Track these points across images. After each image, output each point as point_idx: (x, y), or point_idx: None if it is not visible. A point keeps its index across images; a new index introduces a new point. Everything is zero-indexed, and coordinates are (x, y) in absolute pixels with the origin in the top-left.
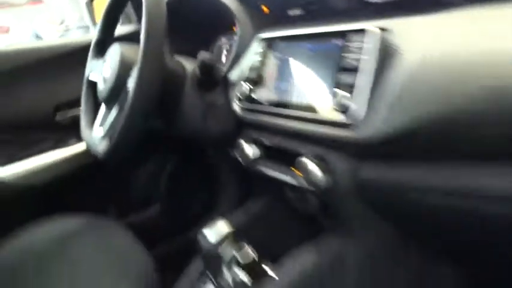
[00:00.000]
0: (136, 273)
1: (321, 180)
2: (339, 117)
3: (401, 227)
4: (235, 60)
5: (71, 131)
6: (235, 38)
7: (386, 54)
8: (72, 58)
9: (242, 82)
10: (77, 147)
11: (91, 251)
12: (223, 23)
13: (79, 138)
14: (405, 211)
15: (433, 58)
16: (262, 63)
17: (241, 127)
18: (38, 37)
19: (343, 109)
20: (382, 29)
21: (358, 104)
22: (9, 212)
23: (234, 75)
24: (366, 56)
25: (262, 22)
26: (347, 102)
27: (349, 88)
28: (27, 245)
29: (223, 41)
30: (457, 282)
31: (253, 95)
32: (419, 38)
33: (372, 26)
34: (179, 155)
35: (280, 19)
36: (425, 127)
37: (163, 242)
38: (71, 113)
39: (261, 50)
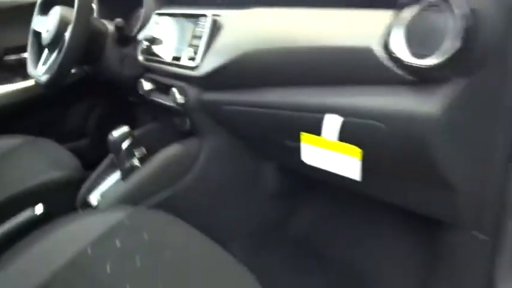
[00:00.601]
0: (66, 169)
1: (180, 100)
2: (189, 63)
3: (231, 132)
4: (142, 26)
5: (17, 72)
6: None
7: (215, 29)
8: (19, 13)
9: (144, 41)
10: (24, 83)
11: (30, 155)
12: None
13: (24, 77)
14: (227, 119)
15: (239, 31)
16: (156, 29)
17: (144, 72)
18: None
19: (191, 58)
20: (215, 15)
21: (198, 56)
22: None
23: (140, 36)
24: (204, 29)
25: (163, 1)
26: (192, 54)
27: (195, 47)
28: None
29: (140, 12)
30: (278, 172)
31: (150, 50)
32: (235, 20)
33: (210, 12)
34: (105, 98)
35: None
36: (229, 66)
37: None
38: (17, 56)
39: (157, 21)
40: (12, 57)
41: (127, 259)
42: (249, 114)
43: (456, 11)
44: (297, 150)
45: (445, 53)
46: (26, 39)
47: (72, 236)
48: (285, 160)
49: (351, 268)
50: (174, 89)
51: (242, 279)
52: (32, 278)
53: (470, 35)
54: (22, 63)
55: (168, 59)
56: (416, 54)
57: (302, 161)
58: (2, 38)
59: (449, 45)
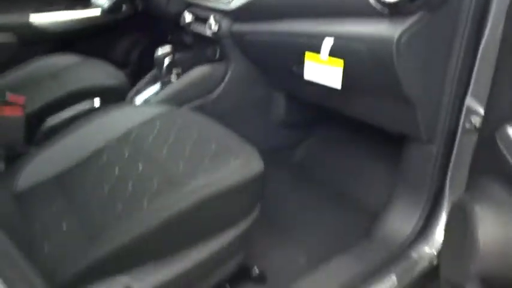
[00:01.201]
0: (117, 79)
1: (214, 29)
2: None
3: (251, 59)
4: None
5: (77, 1)
6: None
7: None
8: None
9: None
10: (84, 12)
11: (89, 67)
12: None
13: (84, 6)
14: (248, 48)
15: None
16: None
17: (185, 7)
18: None
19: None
20: None
21: None
22: (34, 49)
23: None
24: None
25: None
26: None
27: None
28: (44, 62)
29: None
30: (287, 102)
31: None
32: None
33: None
34: (147, 36)
35: None
36: (254, 2)
37: None
38: None
39: None
40: None
41: (164, 135)
42: (265, 42)
43: None
44: (300, 77)
45: None
46: None
47: (125, 118)
48: (291, 86)
49: (336, 183)
50: (211, 19)
51: (252, 155)
52: (89, 144)
53: None
54: None
55: None
56: None
57: (304, 86)
58: None
59: None
